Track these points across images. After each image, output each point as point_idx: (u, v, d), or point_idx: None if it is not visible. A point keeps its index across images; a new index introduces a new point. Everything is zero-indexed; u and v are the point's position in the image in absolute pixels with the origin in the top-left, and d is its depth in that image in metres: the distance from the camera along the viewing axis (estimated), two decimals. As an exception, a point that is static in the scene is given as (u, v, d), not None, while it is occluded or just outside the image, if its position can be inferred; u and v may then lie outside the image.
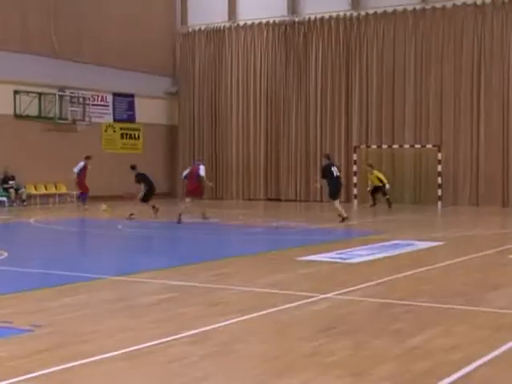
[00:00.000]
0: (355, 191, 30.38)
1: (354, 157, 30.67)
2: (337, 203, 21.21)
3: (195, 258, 13.62)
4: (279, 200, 33.18)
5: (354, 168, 30.55)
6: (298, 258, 13.36)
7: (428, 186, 29.99)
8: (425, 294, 9.74)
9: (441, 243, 16.06)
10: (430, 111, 30.36)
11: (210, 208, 24.29)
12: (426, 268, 12.14)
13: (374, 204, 28.25)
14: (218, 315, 8.27)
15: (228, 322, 7.90)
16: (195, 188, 21.79)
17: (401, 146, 30.38)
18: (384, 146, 30.85)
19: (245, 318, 8.16)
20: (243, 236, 18.81)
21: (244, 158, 34.62)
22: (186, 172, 22.76)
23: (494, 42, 29.25)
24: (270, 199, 33.47)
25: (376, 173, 28.35)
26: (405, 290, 10.02)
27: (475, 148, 29.52)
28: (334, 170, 21.37)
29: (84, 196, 28.15)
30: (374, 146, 31.05)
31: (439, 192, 29.05)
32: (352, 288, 10.08)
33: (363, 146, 31.28)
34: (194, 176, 21.80)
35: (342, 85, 32.30)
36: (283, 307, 8.73)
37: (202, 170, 21.80)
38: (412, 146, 30.15)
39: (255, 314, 8.34)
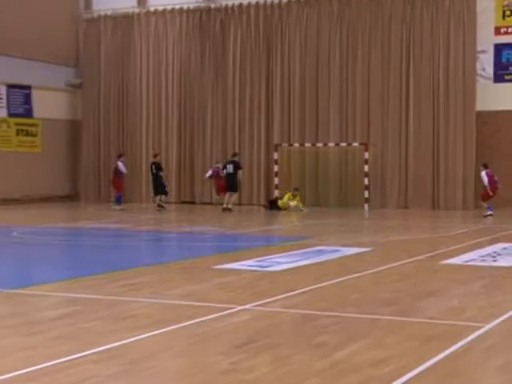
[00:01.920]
0: (276, 193, 30.58)
1: (275, 156, 30.89)
2: (228, 196, 27.58)
3: (100, 268, 13.46)
4: (193, 203, 33.15)
5: (276, 168, 30.76)
6: (214, 267, 13.37)
7: (354, 187, 30.44)
8: (352, 303, 9.88)
9: (368, 249, 16.32)
10: (357, 106, 30.86)
11: (116, 212, 24.08)
12: (352, 276, 12.32)
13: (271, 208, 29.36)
14: (127, 330, 8.19)
15: (138, 338, 7.84)
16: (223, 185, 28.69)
17: (325, 145, 30.78)
18: (307, 145, 31.20)
19: (156, 332, 8.11)
20: (153, 243, 18.70)
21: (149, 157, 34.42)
22: (209, 173, 30.08)
23: (424, 33, 29.96)
24: (185, 202, 33.39)
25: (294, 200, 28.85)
26: (330, 300, 10.14)
27: (404, 147, 30.16)
28: (229, 167, 27.83)
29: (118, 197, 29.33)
30: (296, 145, 31.36)
31: (366, 194, 29.55)
32: (273, 298, 10.14)
33: (285, 144, 31.54)
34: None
35: (262, 77, 32.52)
36: (198, 320, 8.72)
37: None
38: (337, 144, 30.59)
39: (168, 328, 8.30)
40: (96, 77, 35.86)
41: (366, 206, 29.40)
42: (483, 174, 25.05)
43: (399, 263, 13.99)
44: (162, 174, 28.80)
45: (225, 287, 11.34)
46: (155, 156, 30.11)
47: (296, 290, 10.86)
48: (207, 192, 32.75)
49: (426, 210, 28.83)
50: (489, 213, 24.64)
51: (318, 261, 14.22)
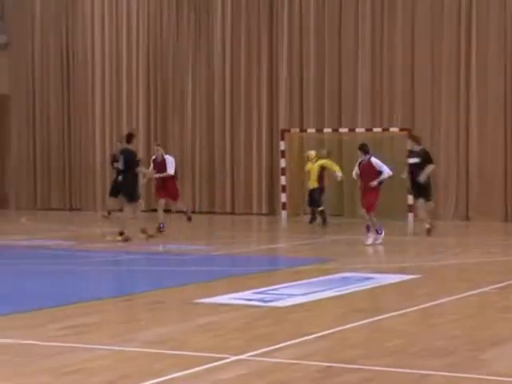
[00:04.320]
0: (283, 198, 30.54)
1: (282, 145, 30.81)
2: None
3: (36, 303, 13.43)
4: (168, 211, 33.09)
5: (282, 163, 30.71)
6: (197, 301, 13.34)
7: (393, 190, 30.28)
8: (389, 353, 9.84)
9: (413, 276, 16.29)
10: (396, 79, 30.78)
11: (61, 224, 24.07)
12: (390, 314, 12.28)
13: (314, 219, 28.30)
14: (73, 390, 8.18)
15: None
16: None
17: (352, 130, 30.70)
18: (327, 130, 31.14)
19: None
20: (112, 267, 18.67)
21: (112, 148, 34.39)
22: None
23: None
24: (154, 210, 33.37)
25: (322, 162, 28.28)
26: (359, 348, 10.10)
27: (463, 135, 30.01)
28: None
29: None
30: (311, 130, 31.30)
31: (410, 199, 29.41)
32: (279, 345, 10.11)
33: (295, 130, 31.49)
34: None
35: (262, 38, 32.56)
36: (174, 376, 8.69)
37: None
38: (369, 129, 30.51)
39: None
40: (28, 34, 35.98)
41: (411, 216, 29.29)
42: None
43: (456, 297, 13.95)
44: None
45: (211, 329, 11.32)
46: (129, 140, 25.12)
47: (311, 333, 10.84)
48: (189, 197, 32.74)
49: (495, 222, 28.73)
50: None
51: (341, 293, 14.19)
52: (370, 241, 21.57)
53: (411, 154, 24.21)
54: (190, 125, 33.45)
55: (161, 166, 24.84)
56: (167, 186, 24.92)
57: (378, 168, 21.66)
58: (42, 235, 24.55)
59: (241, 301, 13.41)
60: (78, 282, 16.82)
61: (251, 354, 9.68)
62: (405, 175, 24.71)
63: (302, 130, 31.52)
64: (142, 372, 8.92)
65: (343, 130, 30.94)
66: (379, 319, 11.97)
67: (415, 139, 25.12)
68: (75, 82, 35.28)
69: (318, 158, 28.30)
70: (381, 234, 22.15)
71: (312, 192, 28.25)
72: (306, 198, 28.60)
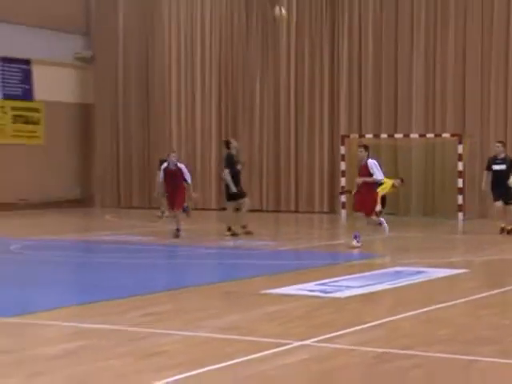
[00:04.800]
0: (343, 198, 30.50)
1: (342, 150, 30.78)
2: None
3: (118, 292, 13.57)
4: (237, 210, 33.13)
5: (342, 166, 30.65)
6: (264, 291, 13.39)
7: (444, 190, 30.15)
8: (440, 341, 9.82)
9: (462, 271, 16.21)
10: (448, 87, 30.57)
11: (142, 221, 24.27)
12: (441, 305, 12.24)
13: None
14: (153, 371, 8.24)
15: (166, 381, 7.90)
16: None
17: (406, 136, 30.57)
18: (383, 136, 31.02)
19: (189, 374, 8.14)
20: (186, 260, 18.77)
21: (188, 152, 34.53)
22: None
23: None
24: (225, 208, 33.43)
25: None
26: (412, 336, 10.10)
27: (511, 139, 29.72)
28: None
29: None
30: (369, 136, 31.21)
31: (460, 199, 29.25)
32: (338, 333, 10.11)
33: (354, 136, 31.42)
34: None
35: (324, 52, 32.49)
36: (242, 360, 8.73)
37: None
38: (422, 135, 30.36)
39: (203, 370, 8.33)
40: (112, 48, 36.21)
41: (461, 215, 29.11)
42: None
43: (503, 290, 13.87)
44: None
45: (277, 318, 11.35)
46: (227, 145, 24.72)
47: (368, 322, 10.83)
48: (256, 197, 32.74)
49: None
50: None
51: (395, 285, 14.15)
52: (354, 242, 19.99)
53: (496, 160, 23.50)
54: (258, 130, 33.48)
55: (174, 174, 22.33)
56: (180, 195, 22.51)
57: (370, 170, 20.84)
58: (124, 231, 24.76)
59: (304, 291, 13.41)
60: (156, 274, 16.95)
61: (312, 340, 9.71)
62: (485, 187, 23.99)
63: (361, 136, 31.41)
64: (214, 355, 8.97)
65: (398, 135, 30.83)
66: (430, 310, 11.92)
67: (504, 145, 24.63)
68: (154, 90, 35.46)
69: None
70: (383, 224, 21.16)
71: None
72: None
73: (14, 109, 34.55)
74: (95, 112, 36.48)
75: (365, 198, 20.50)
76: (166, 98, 35.20)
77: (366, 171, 20.37)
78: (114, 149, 36.04)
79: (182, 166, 22.56)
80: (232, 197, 23.02)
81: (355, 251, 19.52)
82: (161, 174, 22.77)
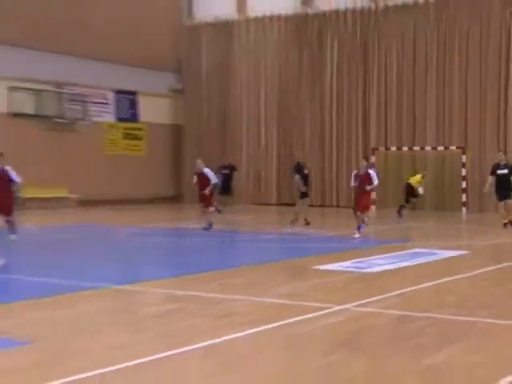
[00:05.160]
0: (374, 195, 30.25)
1: (373, 159, 30.57)
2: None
3: (202, 267, 13.62)
4: (293, 205, 33.10)
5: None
6: (314, 267, 13.34)
7: (452, 190, 29.89)
8: (449, 305, 9.70)
9: (466, 252, 16.02)
10: (454, 110, 30.27)
11: (217, 215, 24.26)
12: (450, 278, 12.09)
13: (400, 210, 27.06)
14: (227, 327, 8.24)
15: (237, 335, 7.88)
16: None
17: (422, 148, 30.31)
18: (404, 148, 30.79)
19: (255, 330, 8.13)
20: (253, 243, 18.78)
21: (255, 160, 34.62)
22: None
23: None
24: (283, 204, 33.43)
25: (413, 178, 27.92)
26: (427, 302, 9.98)
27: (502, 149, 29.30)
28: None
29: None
30: (393, 148, 31.00)
31: (463, 197, 28.96)
32: (369, 299, 10.04)
33: (382, 148, 31.23)
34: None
35: (359, 83, 32.28)
36: (296, 319, 8.69)
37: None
38: (434, 148, 30.09)
39: (267, 327, 8.31)
40: (197, 83, 36.27)
41: (464, 209, 28.81)
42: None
43: (498, 266, 13.67)
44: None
45: (323, 287, 11.29)
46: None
47: (393, 291, 10.73)
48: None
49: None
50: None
51: (414, 263, 14.03)
52: (357, 235, 19.13)
53: (499, 166, 22.46)
54: (309, 144, 33.34)
55: (201, 177, 21.13)
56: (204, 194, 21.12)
57: (372, 178, 19.76)
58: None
59: (344, 267, 13.35)
60: (232, 253, 17.00)
61: (350, 305, 9.63)
62: (487, 189, 22.88)
63: (387, 148, 31.23)
64: (274, 316, 8.92)
65: (416, 148, 30.57)
66: (441, 282, 11.78)
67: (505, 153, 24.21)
68: (229, 115, 35.51)
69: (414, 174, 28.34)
70: (361, 229, 19.43)
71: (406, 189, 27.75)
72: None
73: (124, 128, 34.90)
74: (184, 131, 36.62)
75: (361, 199, 19.87)
76: (237, 121, 35.19)
77: (367, 179, 19.61)
78: (201, 157, 36.10)
79: (206, 170, 21.25)
80: (303, 195, 22.92)
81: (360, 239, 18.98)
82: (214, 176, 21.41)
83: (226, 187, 26.17)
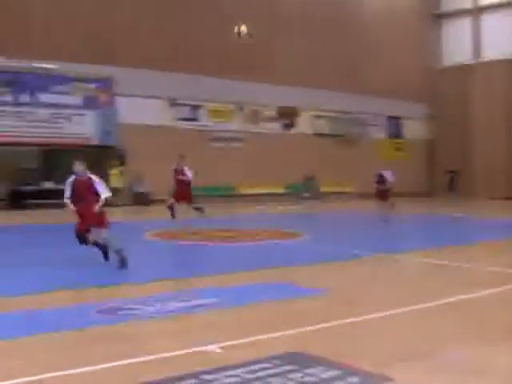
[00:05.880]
0: None
1: None
2: None
3: (444, 241, 12.15)
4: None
5: None
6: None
7: None
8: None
9: None
10: None
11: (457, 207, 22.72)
12: None
13: None
14: (464, 288, 7.38)
15: (477, 295, 6.98)
16: None
17: None
18: None
19: (490, 292, 7.18)
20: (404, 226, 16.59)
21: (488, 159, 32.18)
22: None
23: None
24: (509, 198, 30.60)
25: None
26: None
27: None
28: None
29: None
30: None
31: None
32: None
33: None
34: None
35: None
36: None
37: None
38: None
39: (501, 289, 7.28)
40: (443, 111, 35.04)
41: None
42: None
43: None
44: None
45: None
46: None
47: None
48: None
49: None
50: None
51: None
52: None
53: None
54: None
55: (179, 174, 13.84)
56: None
57: (388, 178, 17.26)
58: (455, 209, 23.08)
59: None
60: (466, 233, 15.28)
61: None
62: None
63: None
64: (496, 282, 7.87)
65: None
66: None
67: None
68: (469, 134, 33.33)
69: None
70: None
71: None
72: None
73: (393, 143, 34.65)
74: (436, 144, 35.60)
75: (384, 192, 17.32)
76: (471, 140, 32.98)
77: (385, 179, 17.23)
78: (446, 163, 34.68)
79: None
80: None
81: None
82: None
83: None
